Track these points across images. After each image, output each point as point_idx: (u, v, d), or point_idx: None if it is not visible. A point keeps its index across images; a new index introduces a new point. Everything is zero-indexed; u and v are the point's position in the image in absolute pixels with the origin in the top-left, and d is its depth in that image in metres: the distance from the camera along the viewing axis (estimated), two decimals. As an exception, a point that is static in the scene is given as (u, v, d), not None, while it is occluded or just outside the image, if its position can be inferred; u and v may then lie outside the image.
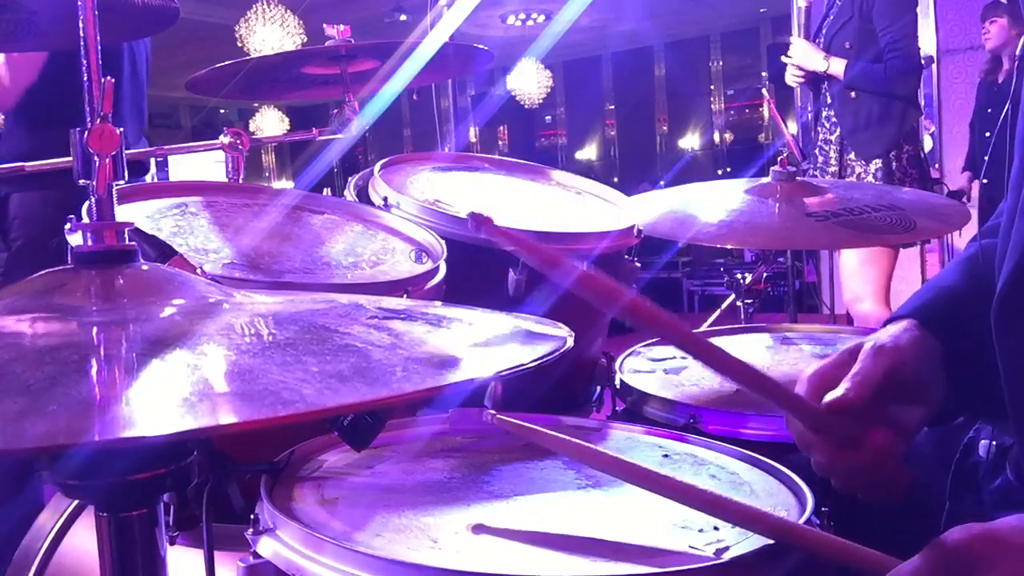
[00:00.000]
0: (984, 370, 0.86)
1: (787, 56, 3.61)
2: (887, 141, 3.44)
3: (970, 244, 0.99)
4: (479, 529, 0.78)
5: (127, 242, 0.72)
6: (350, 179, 1.62)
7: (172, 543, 0.91)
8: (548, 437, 0.86)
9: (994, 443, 0.91)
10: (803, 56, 3.56)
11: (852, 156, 3.52)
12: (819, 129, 3.65)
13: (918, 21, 3.56)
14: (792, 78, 3.67)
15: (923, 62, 4.00)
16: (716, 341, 1.64)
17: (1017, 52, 4.48)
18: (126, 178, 0.74)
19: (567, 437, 0.85)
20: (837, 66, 3.47)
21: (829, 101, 3.59)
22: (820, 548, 0.72)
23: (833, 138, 3.58)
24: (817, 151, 3.66)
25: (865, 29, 3.43)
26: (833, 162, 3.57)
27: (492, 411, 0.90)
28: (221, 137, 1.71)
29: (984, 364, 0.86)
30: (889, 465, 0.82)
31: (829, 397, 0.82)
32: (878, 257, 3.40)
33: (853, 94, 3.48)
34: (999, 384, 0.84)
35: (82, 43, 0.70)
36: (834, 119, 3.56)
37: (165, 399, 0.51)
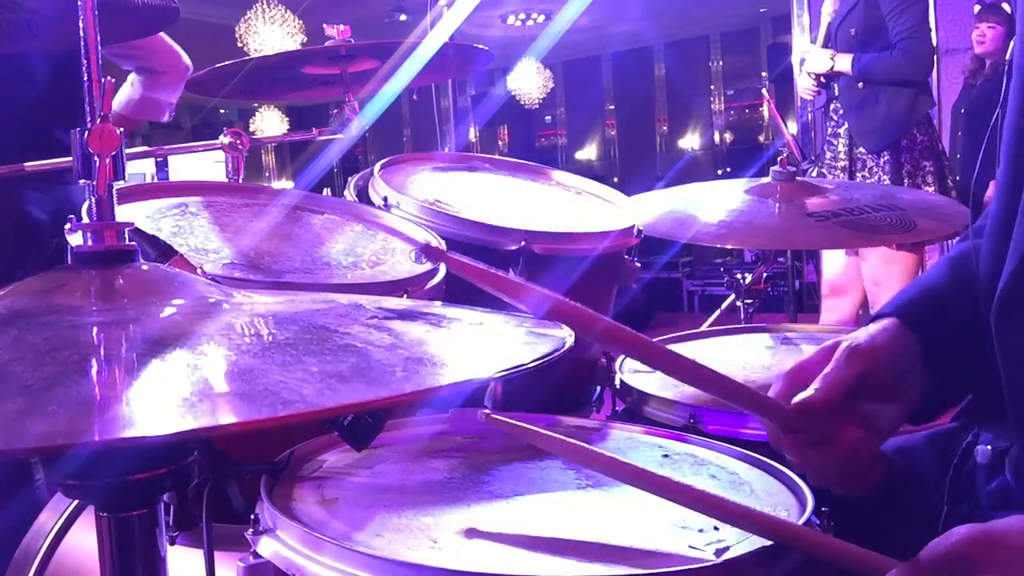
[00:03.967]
0: (966, 367, 0.87)
1: (802, 67, 3.55)
2: (895, 131, 3.31)
3: (959, 243, 1.00)
4: (471, 533, 0.77)
5: (127, 242, 0.72)
6: (350, 179, 1.62)
7: (172, 543, 0.91)
8: (541, 436, 0.86)
9: (990, 448, 0.91)
10: (811, 61, 3.50)
11: (861, 150, 3.43)
12: (827, 123, 3.58)
13: (928, 10, 3.45)
14: (805, 91, 3.62)
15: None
16: (716, 341, 1.67)
17: (1006, 57, 4.44)
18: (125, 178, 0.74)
19: (560, 436, 0.85)
20: (843, 61, 3.37)
21: (837, 93, 3.51)
22: (818, 549, 0.72)
23: (842, 131, 3.46)
24: (825, 146, 3.56)
25: (871, 15, 3.31)
26: (842, 156, 3.45)
27: (486, 410, 0.89)
28: (221, 137, 1.71)
29: (967, 361, 0.87)
30: (861, 462, 0.83)
31: (798, 398, 0.83)
32: (902, 258, 3.28)
33: (860, 84, 3.38)
34: (982, 380, 0.84)
35: (82, 43, 0.70)
36: (842, 111, 3.48)
37: (165, 399, 0.51)
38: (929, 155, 3.35)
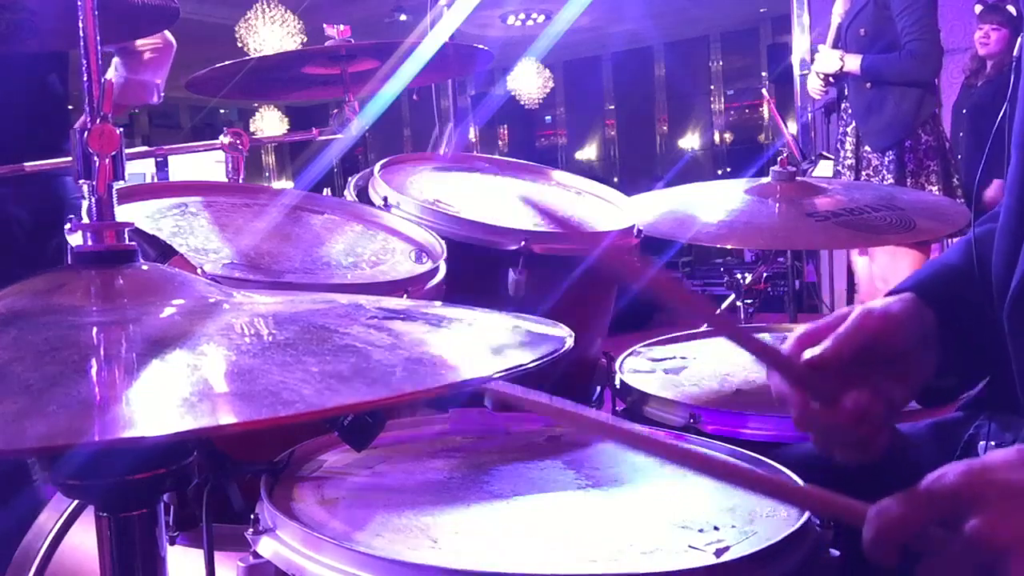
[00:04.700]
0: (979, 347, 0.87)
1: (811, 67, 3.59)
2: (900, 130, 3.35)
3: (976, 227, 1.00)
4: (471, 532, 0.77)
5: (127, 242, 0.72)
6: (350, 179, 1.62)
7: (172, 543, 0.91)
8: (539, 405, 0.84)
9: (992, 443, 0.92)
10: (821, 61, 3.53)
11: (867, 148, 3.46)
12: (839, 122, 3.61)
13: (937, 12, 3.46)
14: (814, 91, 3.64)
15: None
16: (716, 341, 1.67)
17: (1015, 53, 4.44)
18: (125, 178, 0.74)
19: (561, 406, 0.84)
20: (852, 62, 3.41)
21: (847, 92, 3.55)
22: (804, 501, 0.71)
23: (850, 130, 3.52)
24: (838, 144, 3.60)
25: (880, 15, 3.35)
26: (850, 155, 3.50)
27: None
28: (221, 137, 1.71)
29: (979, 341, 0.86)
30: (865, 428, 0.82)
31: (808, 353, 0.84)
32: (910, 255, 3.31)
33: (868, 85, 3.41)
34: (993, 371, 0.84)
35: (82, 43, 0.70)
36: (851, 111, 3.53)
37: (165, 399, 0.51)
38: (934, 155, 3.38)
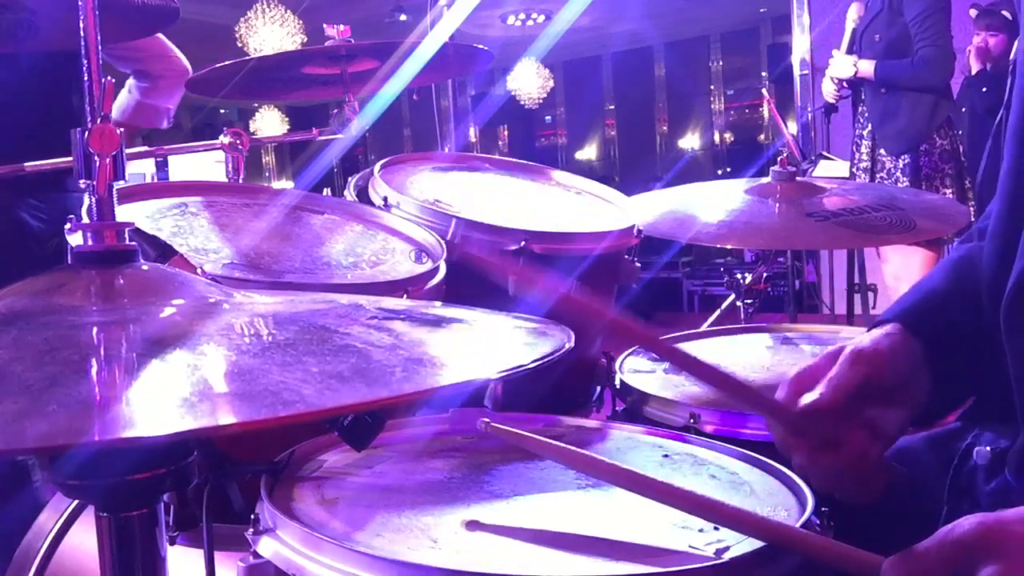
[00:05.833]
0: (969, 369, 0.87)
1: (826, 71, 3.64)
2: (915, 135, 3.40)
3: (959, 246, 1.00)
4: (473, 526, 0.77)
5: (127, 242, 0.72)
6: (350, 179, 1.62)
7: (172, 543, 0.91)
8: (541, 444, 0.86)
9: (989, 448, 0.92)
10: (835, 66, 3.57)
11: (882, 152, 3.50)
12: (855, 125, 3.65)
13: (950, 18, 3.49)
14: (829, 95, 3.68)
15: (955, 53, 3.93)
16: (716, 341, 1.67)
17: (1011, 56, 4.46)
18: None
19: (560, 444, 0.85)
20: (866, 66, 3.46)
21: (863, 96, 3.59)
22: (816, 551, 0.72)
23: (865, 133, 3.57)
24: (854, 147, 3.65)
25: (895, 21, 3.41)
26: (865, 158, 3.56)
27: (486, 419, 0.89)
28: (221, 137, 1.71)
29: (969, 364, 0.87)
30: (866, 467, 0.83)
31: (803, 400, 0.84)
32: (921, 253, 3.36)
33: (883, 90, 3.46)
34: (987, 382, 0.84)
35: (82, 43, 0.70)
36: (867, 114, 3.57)
37: (165, 399, 0.51)
38: (949, 158, 3.43)
